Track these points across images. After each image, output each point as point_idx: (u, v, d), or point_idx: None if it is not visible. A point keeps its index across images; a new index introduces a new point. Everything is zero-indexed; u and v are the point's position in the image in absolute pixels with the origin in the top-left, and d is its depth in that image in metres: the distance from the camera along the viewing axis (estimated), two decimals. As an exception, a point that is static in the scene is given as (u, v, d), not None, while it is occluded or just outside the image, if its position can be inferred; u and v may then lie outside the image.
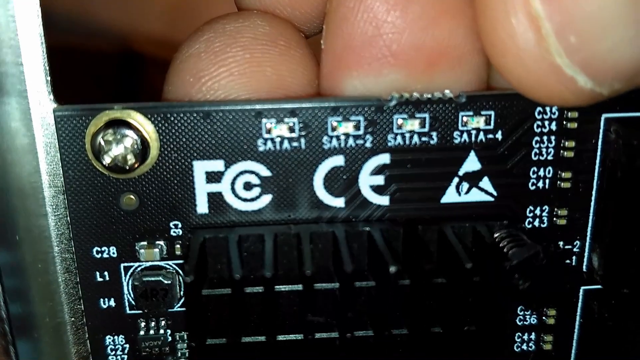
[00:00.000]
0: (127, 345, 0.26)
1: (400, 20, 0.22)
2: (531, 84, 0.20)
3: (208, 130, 0.23)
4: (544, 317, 0.26)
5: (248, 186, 0.24)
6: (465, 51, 0.22)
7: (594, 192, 0.25)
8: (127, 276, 0.25)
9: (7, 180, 0.23)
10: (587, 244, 0.25)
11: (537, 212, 0.25)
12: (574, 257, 0.26)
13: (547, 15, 0.19)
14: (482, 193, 0.24)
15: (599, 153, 0.24)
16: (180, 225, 0.24)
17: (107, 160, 0.23)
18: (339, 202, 0.24)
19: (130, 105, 0.23)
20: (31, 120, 0.23)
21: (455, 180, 0.24)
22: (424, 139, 0.23)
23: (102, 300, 0.25)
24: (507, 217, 0.24)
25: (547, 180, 0.25)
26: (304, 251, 0.23)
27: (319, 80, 0.24)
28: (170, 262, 0.25)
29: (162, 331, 0.26)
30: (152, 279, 0.24)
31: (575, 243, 0.25)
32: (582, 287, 0.26)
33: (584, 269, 0.26)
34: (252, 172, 0.24)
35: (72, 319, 0.25)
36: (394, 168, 0.24)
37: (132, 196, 0.24)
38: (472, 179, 0.24)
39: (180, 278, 0.25)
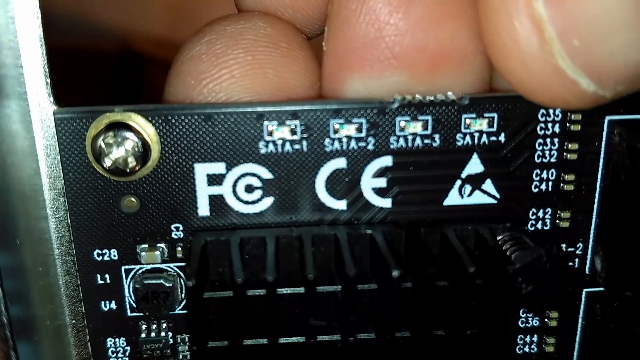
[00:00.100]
0: (129, 348, 0.26)
1: (403, 22, 0.22)
2: (534, 87, 0.20)
3: (209, 132, 0.23)
4: (546, 320, 0.26)
5: (250, 189, 0.24)
6: (468, 53, 0.22)
7: (597, 195, 0.25)
8: (128, 279, 0.25)
9: (8, 183, 0.23)
10: (590, 246, 0.25)
11: (540, 214, 0.25)
12: (576, 260, 0.26)
13: (550, 19, 0.19)
14: (485, 195, 0.24)
15: (602, 155, 0.24)
16: (181, 228, 0.24)
17: (107, 163, 0.22)
18: (341, 205, 0.24)
19: (130, 107, 0.22)
20: (31, 123, 0.23)
21: (458, 182, 0.24)
22: (426, 141, 0.23)
23: (103, 302, 0.25)
24: (510, 219, 0.24)
25: (550, 183, 0.24)
26: (306, 254, 0.23)
27: (320, 82, 0.24)
28: (171, 265, 0.25)
29: (163, 334, 0.25)
30: (154, 281, 0.24)
31: (578, 245, 0.25)
32: (585, 290, 0.26)
33: (587, 272, 0.26)
34: (253, 175, 0.23)
35: (73, 321, 0.25)
36: (396, 170, 0.24)
37: (133, 199, 0.23)
38: (475, 181, 0.24)
39: (182, 280, 0.25)
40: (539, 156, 0.24)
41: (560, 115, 0.24)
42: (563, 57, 0.19)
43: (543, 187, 0.24)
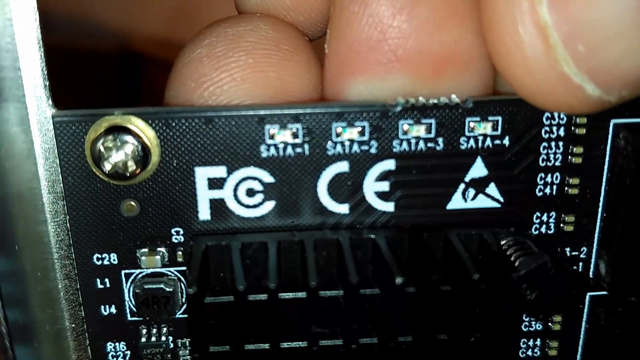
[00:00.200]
0: (129, 352, 0.25)
1: (406, 25, 0.22)
2: (539, 92, 0.20)
3: (210, 136, 0.23)
4: (549, 323, 0.26)
5: (251, 192, 0.23)
6: (472, 56, 0.22)
7: (601, 199, 0.24)
8: (128, 283, 0.24)
9: (6, 187, 0.23)
10: (594, 250, 0.25)
11: (544, 218, 0.25)
12: (580, 264, 0.25)
13: (554, 25, 0.18)
14: (489, 199, 0.24)
15: (607, 159, 0.24)
16: (182, 232, 0.24)
17: (107, 167, 0.22)
18: (344, 209, 0.24)
19: (130, 110, 0.22)
20: (30, 126, 0.22)
21: (462, 186, 0.24)
22: (430, 144, 0.23)
23: (103, 307, 0.25)
24: (514, 223, 0.24)
25: (554, 187, 0.24)
26: (308, 259, 0.23)
27: (322, 85, 0.24)
28: (171, 269, 0.24)
29: (163, 338, 0.25)
30: (154, 286, 0.24)
31: (582, 249, 0.25)
32: (589, 294, 0.26)
33: (591, 276, 0.25)
34: (255, 179, 0.23)
35: (73, 325, 0.25)
36: (399, 174, 0.23)
37: (133, 202, 0.23)
38: (479, 185, 0.24)
39: (182, 285, 0.25)
40: (543, 160, 0.24)
41: (565, 119, 0.23)
42: (568, 63, 0.19)
43: (547, 190, 0.24)
